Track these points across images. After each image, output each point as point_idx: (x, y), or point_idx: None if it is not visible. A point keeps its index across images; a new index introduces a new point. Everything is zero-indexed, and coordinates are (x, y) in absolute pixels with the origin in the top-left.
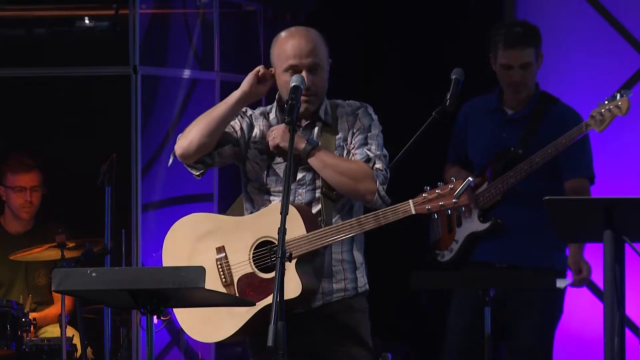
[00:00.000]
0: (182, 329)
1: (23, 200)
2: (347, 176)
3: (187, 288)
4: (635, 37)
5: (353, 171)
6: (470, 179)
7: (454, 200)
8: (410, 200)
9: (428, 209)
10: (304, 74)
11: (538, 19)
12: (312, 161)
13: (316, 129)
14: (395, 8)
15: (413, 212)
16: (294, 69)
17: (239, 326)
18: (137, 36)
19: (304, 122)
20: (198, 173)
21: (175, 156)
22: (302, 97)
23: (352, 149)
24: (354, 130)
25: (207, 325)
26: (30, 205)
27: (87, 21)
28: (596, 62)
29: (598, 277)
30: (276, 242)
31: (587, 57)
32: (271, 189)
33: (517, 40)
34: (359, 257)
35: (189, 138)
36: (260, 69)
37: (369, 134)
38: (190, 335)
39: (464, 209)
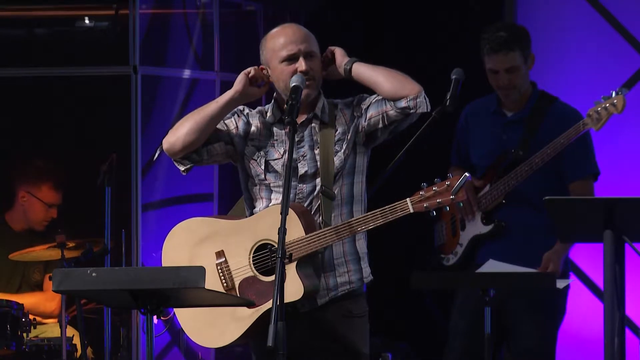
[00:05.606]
0: (182, 330)
1: (44, 216)
2: (393, 76)
3: (187, 288)
4: (635, 37)
5: (399, 73)
6: (466, 174)
7: (451, 197)
8: (408, 199)
9: (426, 206)
10: (301, 60)
11: (538, 19)
12: (361, 68)
13: (313, 125)
14: (395, 8)
15: (411, 210)
16: (292, 57)
17: (243, 330)
18: (137, 36)
19: (300, 119)
20: (184, 169)
21: (162, 150)
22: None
23: (374, 112)
24: (363, 109)
25: (211, 330)
26: (51, 220)
27: (87, 21)
28: (596, 62)
29: (598, 277)
30: (275, 245)
31: (587, 57)
32: (271, 185)
33: (501, 45)
34: (362, 247)
35: (176, 134)
36: (251, 70)
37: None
38: (195, 341)
39: (462, 204)
